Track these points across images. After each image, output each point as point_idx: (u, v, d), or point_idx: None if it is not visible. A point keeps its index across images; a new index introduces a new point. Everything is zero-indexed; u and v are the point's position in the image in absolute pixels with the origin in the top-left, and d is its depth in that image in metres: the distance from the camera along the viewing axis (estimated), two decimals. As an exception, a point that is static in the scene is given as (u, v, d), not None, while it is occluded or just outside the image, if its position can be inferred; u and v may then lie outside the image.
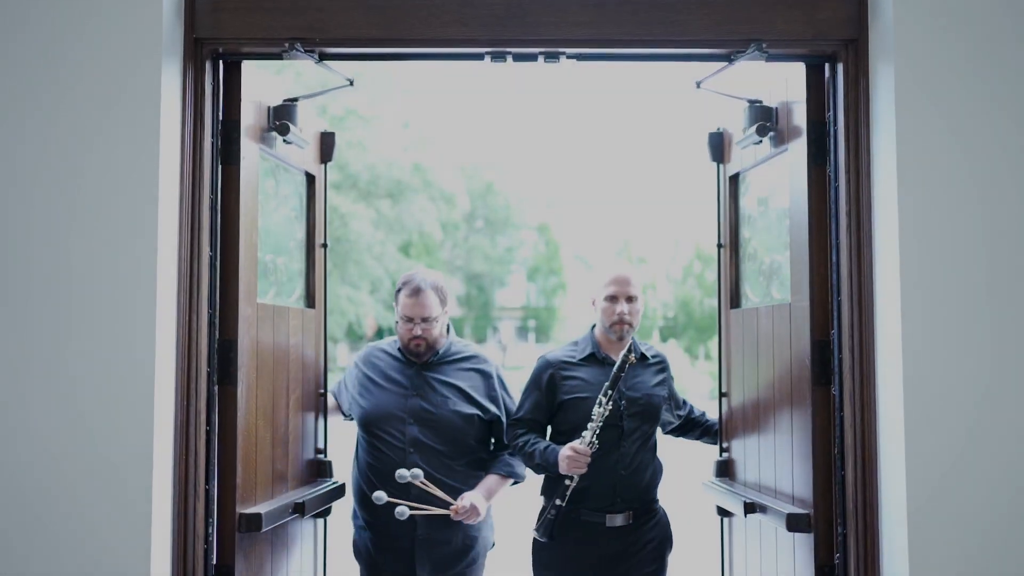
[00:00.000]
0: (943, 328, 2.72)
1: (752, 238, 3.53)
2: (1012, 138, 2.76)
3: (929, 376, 2.70)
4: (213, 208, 2.95)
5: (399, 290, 3.47)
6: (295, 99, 3.30)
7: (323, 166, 3.70)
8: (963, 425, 2.70)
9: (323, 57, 3.03)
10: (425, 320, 3.41)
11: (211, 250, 2.93)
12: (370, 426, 3.44)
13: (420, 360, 3.48)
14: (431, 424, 3.40)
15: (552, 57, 3.03)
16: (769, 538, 3.20)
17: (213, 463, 2.92)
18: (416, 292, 3.39)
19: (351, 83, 3.16)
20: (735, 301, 3.59)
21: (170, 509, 2.81)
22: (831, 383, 2.94)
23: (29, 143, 2.74)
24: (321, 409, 3.61)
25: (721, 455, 3.62)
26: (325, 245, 3.74)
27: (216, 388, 2.95)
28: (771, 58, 3.00)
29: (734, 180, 3.62)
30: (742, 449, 3.47)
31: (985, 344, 2.71)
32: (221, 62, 3.00)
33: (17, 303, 2.72)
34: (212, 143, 2.95)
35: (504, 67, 3.06)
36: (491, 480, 3.45)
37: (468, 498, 3.32)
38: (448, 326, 3.58)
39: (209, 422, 2.91)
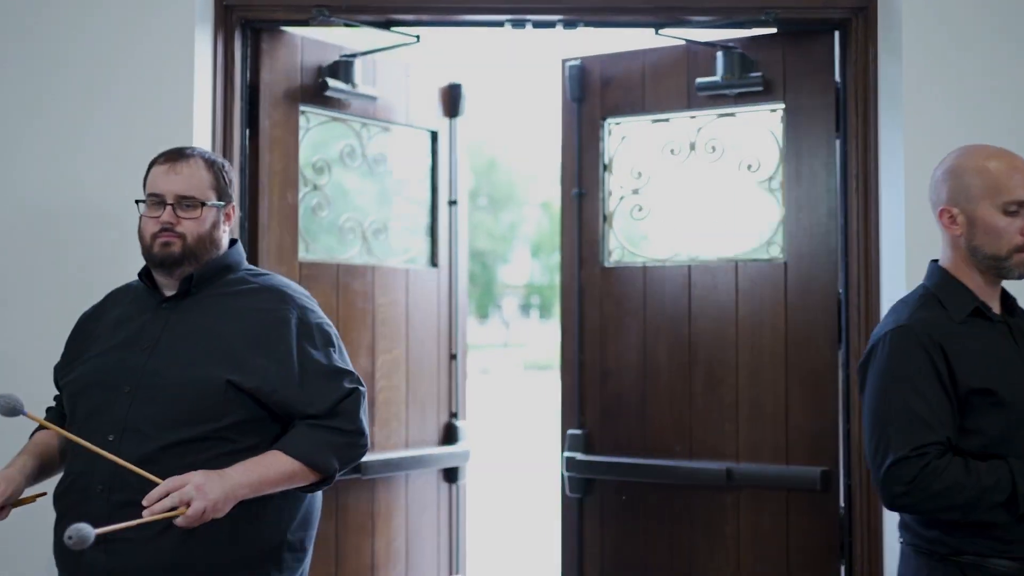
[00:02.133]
0: None
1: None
2: (1018, 106, 2.84)
3: None
4: (242, 171, 3.07)
5: (152, 166, 2.11)
6: (352, 55, 3.27)
7: (451, 120, 3.63)
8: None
9: (348, 24, 3.09)
10: (185, 201, 2.03)
11: (240, 211, 3.01)
12: (70, 404, 2.07)
13: (170, 277, 2.05)
14: (151, 397, 1.95)
15: (570, 24, 3.12)
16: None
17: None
18: (176, 157, 2.07)
19: (417, 39, 3.21)
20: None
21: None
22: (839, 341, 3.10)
23: (64, 111, 2.86)
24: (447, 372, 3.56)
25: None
26: (454, 202, 3.59)
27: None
28: (782, 25, 3.10)
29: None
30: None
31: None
32: (251, 29, 3.10)
33: (58, 266, 2.84)
34: (241, 108, 3.06)
35: (508, 42, 3.16)
36: (266, 459, 1.95)
37: (184, 481, 1.82)
38: (235, 243, 2.18)
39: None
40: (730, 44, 3.19)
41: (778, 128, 3.24)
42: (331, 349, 2.06)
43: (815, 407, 3.12)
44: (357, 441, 2.04)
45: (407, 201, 3.58)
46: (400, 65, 3.50)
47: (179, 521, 1.78)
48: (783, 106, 3.21)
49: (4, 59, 2.88)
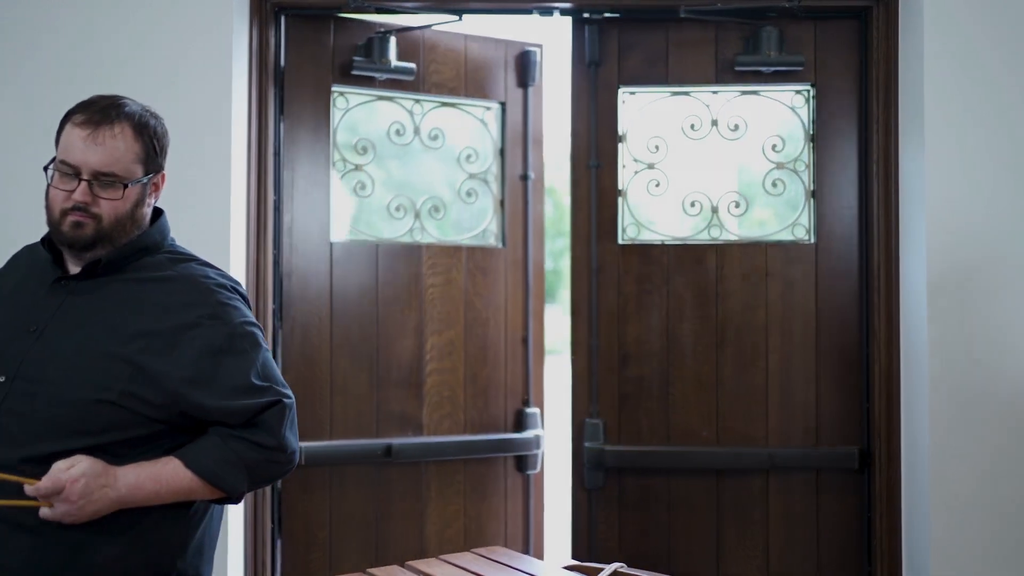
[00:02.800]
0: (967, 270, 2.93)
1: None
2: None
3: (952, 319, 2.89)
4: (276, 155, 3.11)
5: (68, 116, 1.74)
6: (387, 32, 3.19)
7: (524, 90, 3.40)
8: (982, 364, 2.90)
9: (379, 11, 3.11)
10: (104, 179, 1.70)
11: (275, 194, 3.09)
12: None
13: (78, 257, 1.75)
14: (29, 393, 1.66)
15: (596, 11, 3.15)
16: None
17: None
18: (99, 121, 1.70)
19: (460, 17, 3.18)
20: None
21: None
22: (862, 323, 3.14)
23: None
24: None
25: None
26: (526, 177, 3.36)
27: (280, 323, 3.12)
28: (807, 12, 3.10)
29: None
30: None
31: (1009, 289, 2.91)
32: (284, 16, 3.13)
33: None
34: (274, 92, 3.09)
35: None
36: (165, 470, 1.68)
37: (59, 471, 1.60)
38: (160, 216, 1.86)
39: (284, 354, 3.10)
40: (764, 21, 3.12)
41: (803, 108, 3.20)
42: (252, 354, 1.75)
43: (845, 388, 3.14)
44: (277, 458, 1.75)
45: (472, 177, 3.36)
46: (459, 37, 3.32)
47: (44, 513, 1.60)
48: (809, 87, 3.18)
49: (38, 46, 2.89)
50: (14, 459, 1.61)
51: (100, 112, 1.69)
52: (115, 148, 1.69)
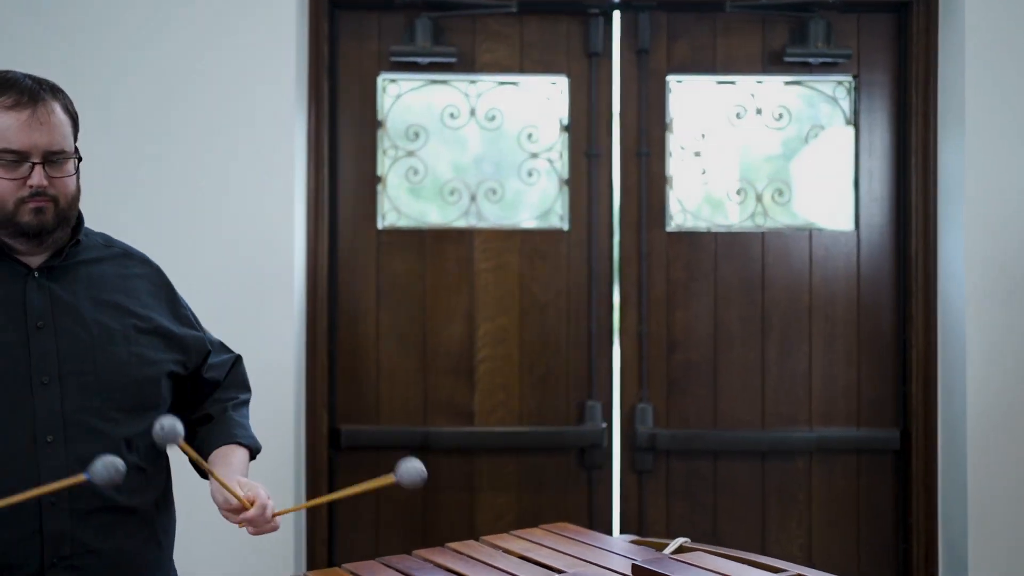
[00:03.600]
0: (1005, 257, 3.03)
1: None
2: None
3: (991, 305, 3.01)
4: (331, 146, 3.22)
5: None
6: (434, 15, 3.18)
7: (591, 60, 3.26)
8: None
9: (428, 6, 3.17)
10: (53, 157, 1.64)
11: (329, 184, 3.20)
12: None
13: (40, 248, 1.68)
14: (84, 386, 1.66)
15: (643, 11, 3.20)
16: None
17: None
18: (34, 100, 1.63)
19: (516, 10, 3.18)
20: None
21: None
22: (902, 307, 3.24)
23: (175, 89, 2.99)
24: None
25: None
26: (592, 155, 3.23)
27: (336, 308, 3.22)
28: (849, 6, 3.19)
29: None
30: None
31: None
32: (337, 9, 3.21)
33: (178, 235, 2.95)
34: (328, 84, 3.19)
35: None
36: (237, 456, 1.79)
37: (256, 489, 1.69)
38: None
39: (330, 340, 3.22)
40: (810, 13, 3.18)
41: (845, 100, 3.27)
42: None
43: (884, 372, 3.22)
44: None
45: (533, 157, 3.29)
46: (511, 17, 3.24)
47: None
48: (851, 78, 3.25)
49: (104, 42, 2.95)
50: (108, 447, 1.61)
51: (28, 92, 1.61)
52: (57, 124, 1.63)
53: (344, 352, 3.21)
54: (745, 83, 3.29)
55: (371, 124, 3.24)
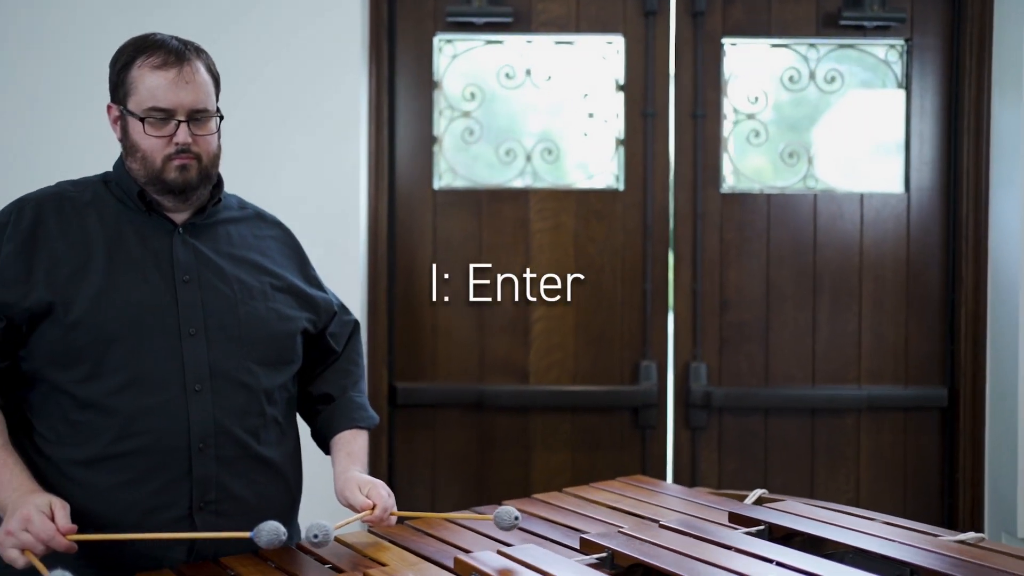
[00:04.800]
0: None
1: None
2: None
3: None
4: (390, 108, 3.26)
5: (132, 60, 1.68)
6: None
7: (648, 19, 3.24)
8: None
9: None
10: (197, 115, 1.68)
11: (389, 147, 3.25)
12: (87, 351, 1.62)
13: (184, 203, 1.72)
14: (228, 338, 1.70)
15: None
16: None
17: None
18: (180, 60, 1.67)
19: None
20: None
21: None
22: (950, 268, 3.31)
23: (243, 55, 3.02)
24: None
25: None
26: (649, 114, 3.22)
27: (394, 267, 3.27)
28: None
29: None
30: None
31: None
32: None
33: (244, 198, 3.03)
34: (387, 47, 3.24)
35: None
36: (358, 443, 1.86)
37: (376, 490, 1.74)
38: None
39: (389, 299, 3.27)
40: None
41: (896, 63, 3.30)
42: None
43: (933, 331, 3.29)
44: None
45: (590, 117, 3.30)
46: None
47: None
48: (904, 41, 3.27)
49: (170, 4, 3.00)
50: (255, 399, 1.70)
51: (174, 52, 1.67)
52: (201, 84, 1.68)
53: (401, 311, 3.25)
54: (799, 47, 3.31)
55: (427, 85, 3.26)
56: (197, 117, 1.67)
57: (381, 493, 1.71)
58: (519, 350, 3.27)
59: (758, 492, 2.13)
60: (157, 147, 1.66)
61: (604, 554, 1.54)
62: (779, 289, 3.28)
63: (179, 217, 1.74)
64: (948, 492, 3.30)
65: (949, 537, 1.71)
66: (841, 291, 3.28)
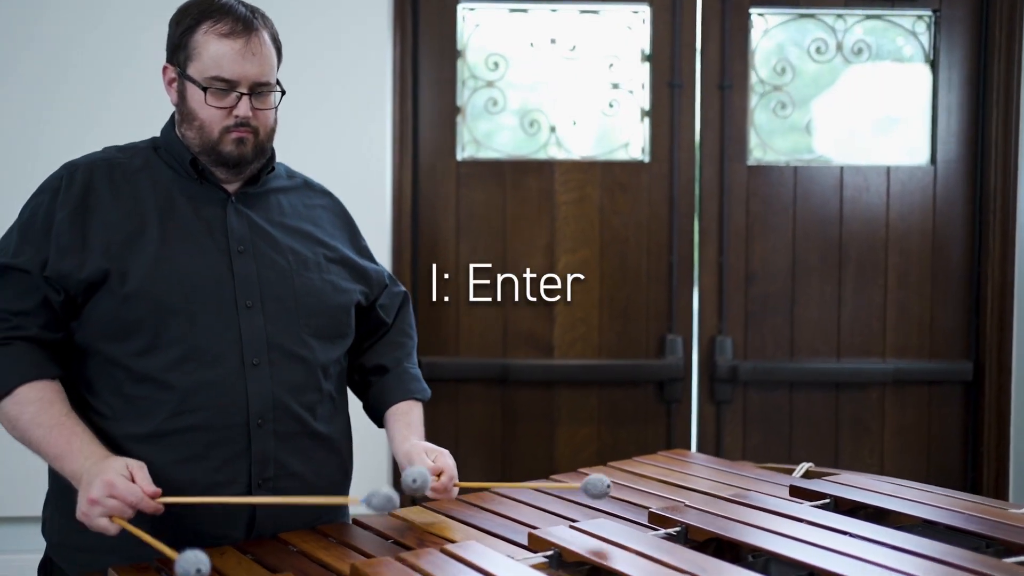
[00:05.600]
0: None
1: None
2: None
3: None
4: (414, 76, 3.20)
5: (197, 23, 1.61)
6: None
7: None
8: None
9: None
10: (259, 88, 1.62)
11: (413, 116, 3.18)
12: (146, 322, 1.56)
13: (237, 176, 1.68)
14: (285, 310, 1.65)
15: None
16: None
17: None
18: (247, 30, 1.60)
19: None
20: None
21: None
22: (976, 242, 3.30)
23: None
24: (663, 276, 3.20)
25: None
26: (675, 85, 3.18)
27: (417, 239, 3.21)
28: None
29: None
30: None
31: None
32: None
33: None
34: (411, 17, 3.17)
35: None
36: (415, 414, 1.81)
37: (443, 458, 1.69)
38: None
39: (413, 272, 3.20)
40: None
41: (924, 34, 3.26)
42: None
43: (958, 305, 3.28)
44: None
45: (615, 88, 3.26)
46: None
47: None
48: (931, 12, 3.24)
49: None
50: (312, 374, 1.66)
51: (243, 21, 1.59)
52: (267, 56, 1.62)
53: (424, 283, 3.21)
54: (826, 17, 3.27)
55: (451, 54, 3.21)
56: (259, 91, 1.62)
57: (447, 461, 1.67)
58: (543, 324, 3.23)
59: (805, 465, 2.11)
60: (216, 118, 1.60)
61: (677, 528, 1.52)
62: (805, 262, 3.26)
63: (231, 186, 1.69)
64: (972, 466, 3.30)
65: (1015, 509, 1.69)
66: (866, 264, 3.26)
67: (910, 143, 3.31)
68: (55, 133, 2.91)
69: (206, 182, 1.66)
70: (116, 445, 1.55)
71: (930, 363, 3.28)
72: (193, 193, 1.65)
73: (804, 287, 3.26)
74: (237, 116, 1.60)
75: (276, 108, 1.67)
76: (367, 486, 1.47)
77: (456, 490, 1.69)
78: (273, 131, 1.68)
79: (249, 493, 1.60)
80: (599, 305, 3.24)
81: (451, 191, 3.21)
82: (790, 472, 2.09)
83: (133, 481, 1.42)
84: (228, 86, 1.59)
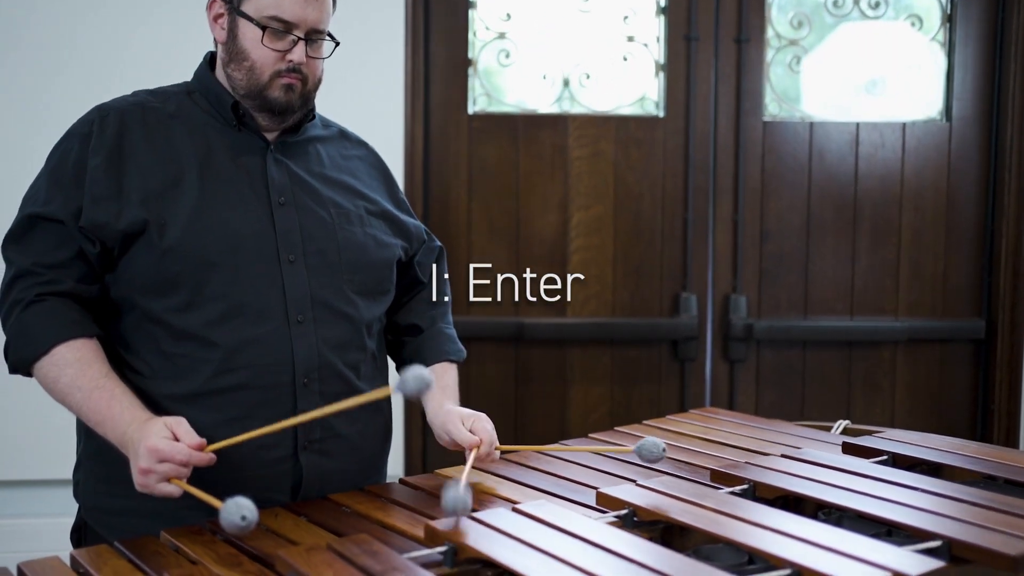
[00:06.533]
0: None
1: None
2: None
3: None
4: (425, 28, 3.07)
5: None
6: None
7: None
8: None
9: None
10: (317, 36, 1.56)
11: (424, 68, 3.07)
12: (185, 277, 1.49)
13: (279, 125, 1.60)
14: (326, 265, 1.58)
15: None
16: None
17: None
18: None
19: None
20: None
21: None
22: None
23: None
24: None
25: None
26: (691, 38, 3.09)
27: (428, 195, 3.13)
28: None
29: None
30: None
31: None
32: None
33: None
34: None
35: None
36: (449, 376, 1.75)
37: (481, 423, 1.64)
38: None
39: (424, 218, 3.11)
40: None
41: (943, -12, 3.23)
42: None
43: (972, 262, 3.27)
44: None
45: (630, 41, 3.18)
46: None
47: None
48: (950, -35, 3.20)
49: None
50: (356, 331, 1.59)
51: None
52: (326, 3, 1.54)
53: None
54: (843, -31, 3.21)
55: (463, 4, 3.11)
56: (315, 38, 1.54)
57: (486, 427, 1.62)
58: (556, 282, 3.17)
59: (843, 423, 2.09)
60: (269, 60, 1.52)
61: (744, 486, 1.48)
62: (819, 219, 3.23)
63: (269, 135, 1.61)
64: (982, 424, 3.31)
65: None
66: (880, 221, 3.24)
67: (926, 99, 3.27)
68: (57, 113, 2.80)
69: (244, 129, 1.58)
70: (155, 405, 1.48)
71: (942, 321, 3.27)
72: (231, 141, 1.57)
73: (819, 245, 3.23)
74: (291, 61, 1.52)
75: (325, 59, 1.59)
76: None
77: (497, 453, 1.64)
78: (319, 82, 1.60)
79: (295, 455, 1.54)
80: (612, 263, 3.19)
81: (462, 146, 3.13)
82: (827, 429, 2.07)
83: (176, 439, 1.36)
84: (286, 28, 1.51)
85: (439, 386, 1.69)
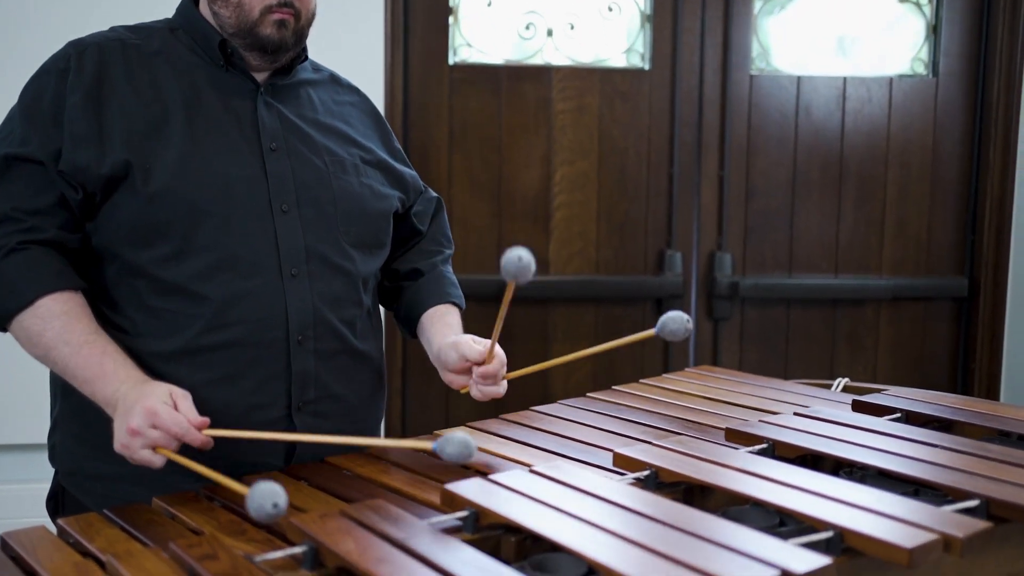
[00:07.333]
0: None
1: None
2: None
3: None
4: None
5: None
6: None
7: None
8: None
9: None
10: None
11: (404, 18, 2.95)
12: (188, 222, 1.40)
13: (273, 62, 1.50)
14: (321, 216, 1.49)
15: None
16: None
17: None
18: None
19: None
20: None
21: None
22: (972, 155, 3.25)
23: None
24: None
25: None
26: None
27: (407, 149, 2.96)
28: None
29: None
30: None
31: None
32: None
33: None
34: None
35: None
36: (453, 316, 1.68)
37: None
38: None
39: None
40: None
41: (931, -61, 3.17)
42: None
43: (956, 220, 3.25)
44: None
45: None
46: None
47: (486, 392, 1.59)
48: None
49: None
50: (352, 286, 1.51)
51: None
52: None
53: (414, 197, 3.05)
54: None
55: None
56: None
57: (497, 347, 1.55)
58: (539, 239, 3.10)
59: (843, 380, 2.06)
60: None
61: (763, 445, 1.43)
62: (805, 176, 3.18)
63: (259, 75, 1.51)
64: (963, 383, 3.31)
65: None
66: (866, 178, 3.20)
67: (913, 55, 3.22)
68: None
69: (232, 69, 1.48)
70: (140, 364, 1.38)
71: (926, 279, 3.26)
72: (219, 82, 1.47)
73: (804, 201, 3.19)
74: None
75: None
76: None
77: (504, 384, 1.57)
78: (313, 16, 1.50)
79: (289, 417, 1.46)
80: (596, 219, 3.12)
81: (443, 98, 3.03)
82: (826, 387, 2.04)
83: (177, 410, 1.27)
84: None
85: (443, 323, 1.63)
